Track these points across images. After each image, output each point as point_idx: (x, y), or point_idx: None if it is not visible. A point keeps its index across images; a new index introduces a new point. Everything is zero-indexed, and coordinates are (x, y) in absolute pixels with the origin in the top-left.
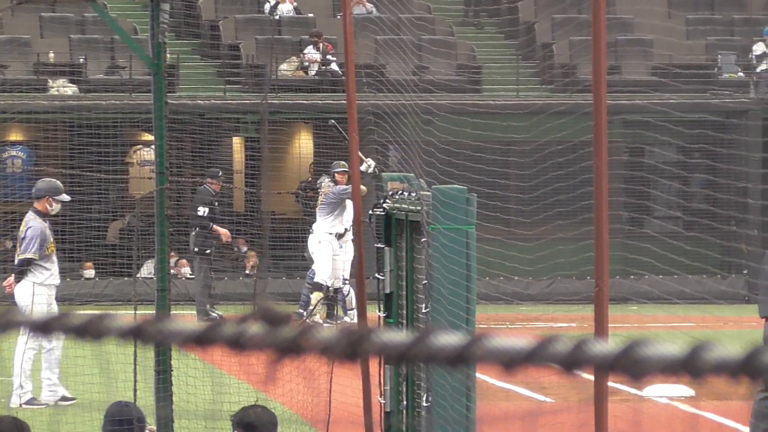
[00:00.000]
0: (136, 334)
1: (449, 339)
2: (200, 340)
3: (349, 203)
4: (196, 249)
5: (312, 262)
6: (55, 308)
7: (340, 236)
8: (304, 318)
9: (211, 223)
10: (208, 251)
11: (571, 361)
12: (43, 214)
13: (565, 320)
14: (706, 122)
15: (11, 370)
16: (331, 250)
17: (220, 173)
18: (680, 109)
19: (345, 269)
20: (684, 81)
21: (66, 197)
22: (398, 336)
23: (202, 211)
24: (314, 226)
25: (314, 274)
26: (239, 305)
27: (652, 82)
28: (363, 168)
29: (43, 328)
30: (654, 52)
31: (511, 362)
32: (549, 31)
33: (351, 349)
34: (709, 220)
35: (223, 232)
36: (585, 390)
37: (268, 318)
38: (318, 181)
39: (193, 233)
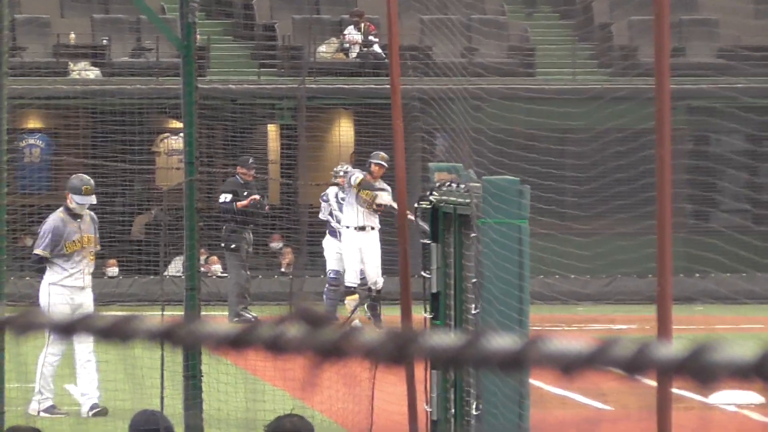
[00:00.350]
0: (166, 336)
1: (502, 342)
2: (235, 343)
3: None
4: (222, 245)
5: (325, 256)
6: (85, 311)
7: (360, 228)
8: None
9: (234, 203)
10: (234, 246)
11: (634, 366)
12: (69, 209)
13: (624, 321)
14: None
15: (31, 376)
16: (354, 248)
17: (251, 161)
18: (749, 95)
19: (376, 265)
20: (753, 64)
21: (88, 200)
22: (447, 339)
23: (223, 197)
24: (341, 222)
25: (341, 276)
26: (274, 305)
27: (719, 65)
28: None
29: (66, 330)
30: (720, 32)
31: (568, 367)
32: (607, 11)
33: (397, 352)
34: None
35: (247, 201)
36: (646, 397)
37: (308, 319)
38: (335, 170)
39: (224, 228)
